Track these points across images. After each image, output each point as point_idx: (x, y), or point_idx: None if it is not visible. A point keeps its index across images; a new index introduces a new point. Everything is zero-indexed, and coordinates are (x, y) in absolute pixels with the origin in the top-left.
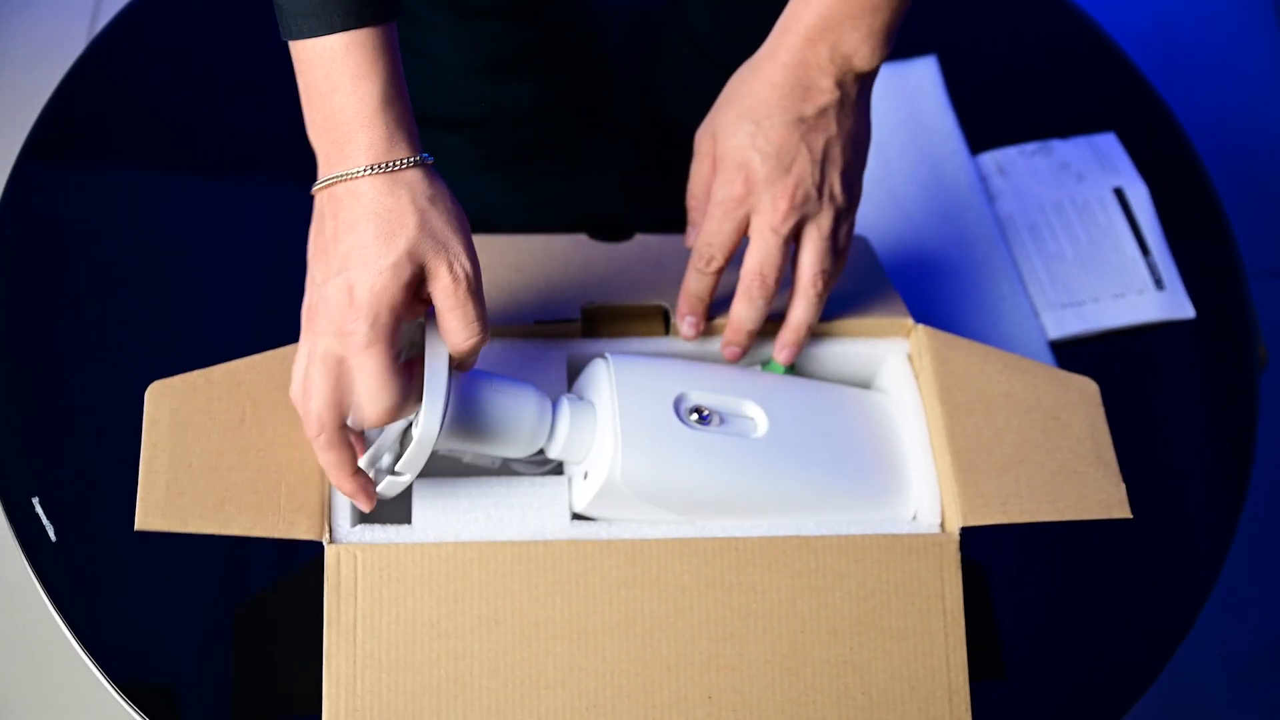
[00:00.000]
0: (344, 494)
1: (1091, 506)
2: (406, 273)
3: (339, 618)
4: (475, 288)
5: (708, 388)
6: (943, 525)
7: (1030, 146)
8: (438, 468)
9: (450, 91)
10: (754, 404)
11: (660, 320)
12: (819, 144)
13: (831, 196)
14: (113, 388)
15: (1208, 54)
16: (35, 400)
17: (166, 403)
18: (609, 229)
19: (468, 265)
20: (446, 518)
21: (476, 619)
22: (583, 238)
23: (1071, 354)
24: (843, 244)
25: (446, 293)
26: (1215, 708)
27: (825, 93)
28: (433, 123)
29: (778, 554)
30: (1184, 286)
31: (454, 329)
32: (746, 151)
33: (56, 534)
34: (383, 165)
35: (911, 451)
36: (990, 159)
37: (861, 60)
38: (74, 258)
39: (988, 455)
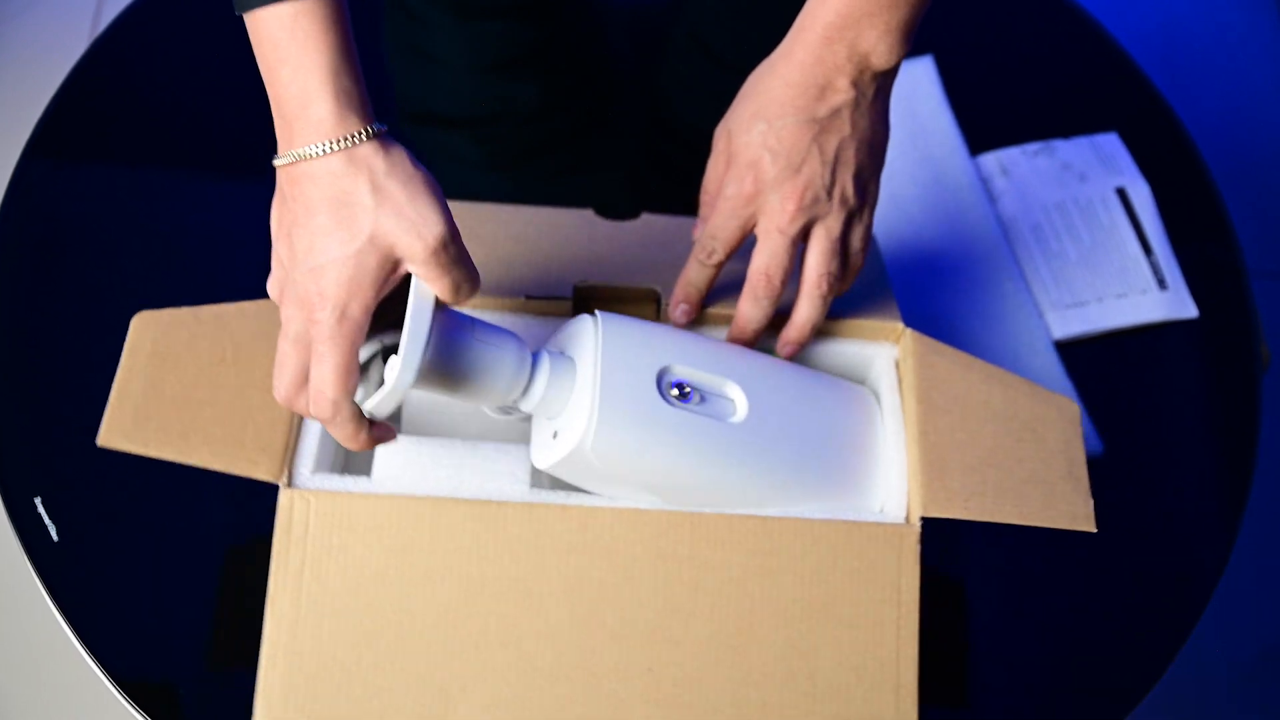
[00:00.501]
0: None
1: (1057, 516)
2: (372, 259)
3: (287, 561)
4: (454, 253)
5: (694, 362)
6: (908, 519)
7: (1033, 146)
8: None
9: (455, 91)
10: (736, 386)
11: (652, 305)
12: (831, 145)
13: (843, 198)
14: None
15: (1210, 53)
16: (36, 400)
17: (150, 332)
18: (616, 208)
19: (438, 232)
20: (406, 473)
21: (423, 573)
22: (589, 214)
23: (1075, 354)
24: (855, 246)
25: (425, 266)
26: (1217, 708)
27: (840, 92)
28: (437, 121)
29: (734, 532)
30: (1187, 286)
31: (440, 294)
32: (758, 150)
33: (58, 534)
34: (335, 143)
35: (888, 448)
36: (993, 159)
37: (879, 58)
38: (75, 257)
39: (958, 454)
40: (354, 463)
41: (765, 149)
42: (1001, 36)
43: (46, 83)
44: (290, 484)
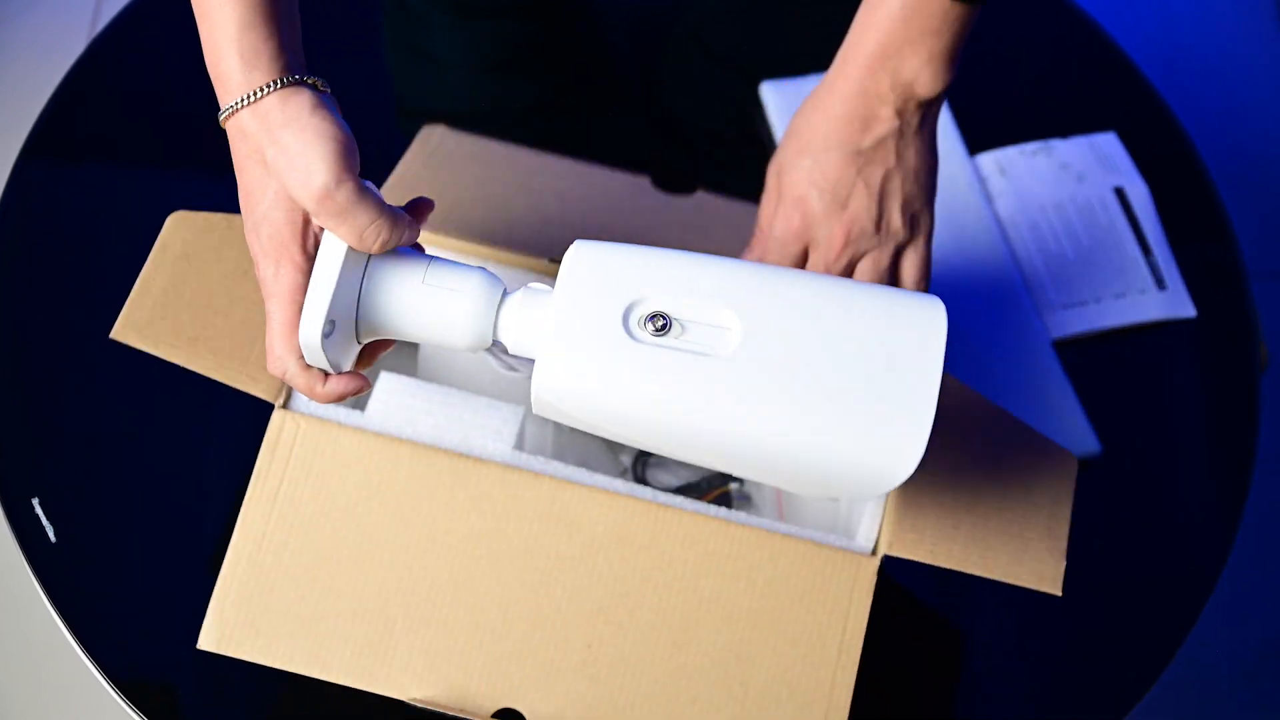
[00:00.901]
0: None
1: (1023, 574)
2: (281, 213)
3: (266, 477)
4: (344, 200)
5: (680, 288)
6: (875, 549)
7: (1031, 146)
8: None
9: (453, 89)
10: (731, 312)
11: None
12: (876, 177)
13: (890, 230)
14: (113, 388)
15: (1208, 53)
16: (35, 400)
17: (181, 233)
18: (675, 179)
19: (320, 181)
20: (397, 414)
21: (391, 513)
22: (645, 182)
23: (1073, 354)
24: (908, 276)
25: (316, 216)
26: (1216, 708)
27: (884, 122)
28: (436, 118)
29: (697, 530)
30: (1185, 286)
31: (346, 240)
32: (804, 186)
33: (56, 534)
34: (245, 99)
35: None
36: (991, 159)
37: (923, 87)
38: (73, 256)
39: (938, 495)
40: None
41: (811, 185)
42: (1000, 36)
43: (45, 82)
44: (286, 406)
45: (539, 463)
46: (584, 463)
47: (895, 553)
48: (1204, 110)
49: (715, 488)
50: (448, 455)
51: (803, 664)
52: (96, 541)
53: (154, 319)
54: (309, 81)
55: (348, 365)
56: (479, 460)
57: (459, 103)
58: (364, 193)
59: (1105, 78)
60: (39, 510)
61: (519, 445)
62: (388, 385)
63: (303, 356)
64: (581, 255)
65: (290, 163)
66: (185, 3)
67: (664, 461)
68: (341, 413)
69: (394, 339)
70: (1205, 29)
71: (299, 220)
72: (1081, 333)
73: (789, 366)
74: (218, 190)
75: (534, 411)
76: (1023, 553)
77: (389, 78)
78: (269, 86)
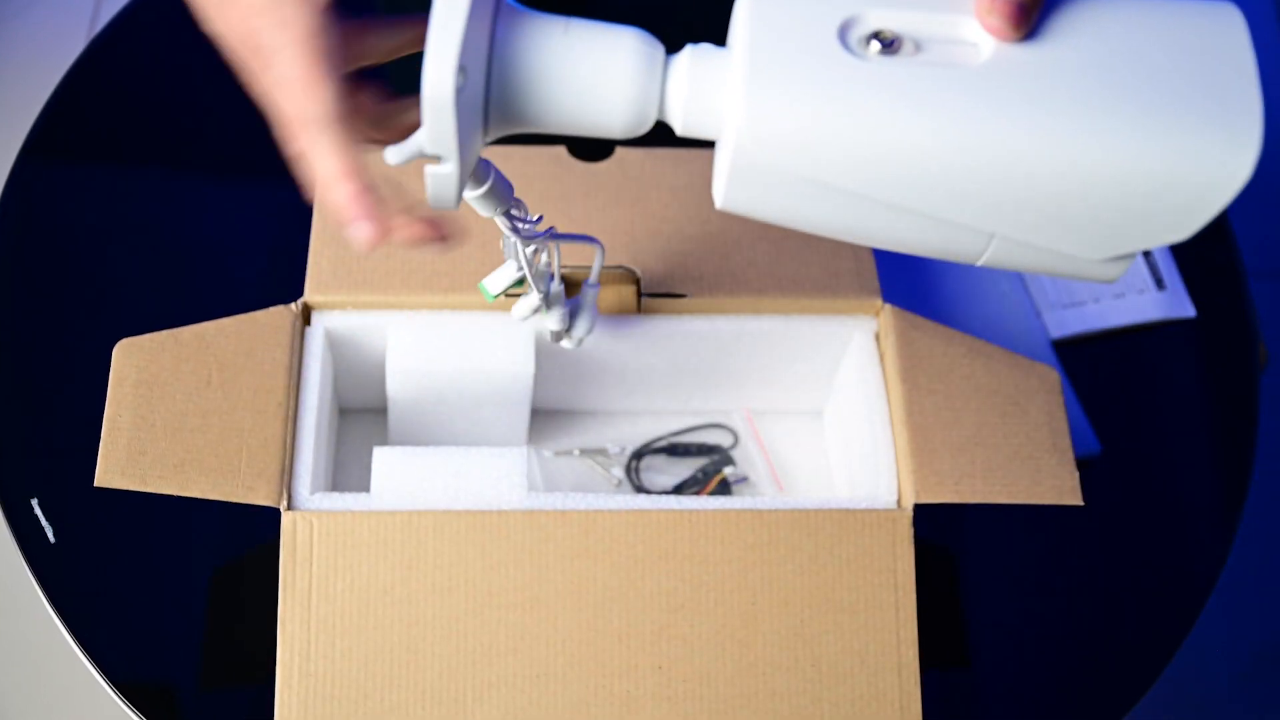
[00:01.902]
0: (341, 214)
1: (1045, 492)
2: None
3: (294, 583)
4: None
5: (902, 2)
6: (899, 502)
7: None
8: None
9: None
10: (973, 21)
11: (632, 286)
12: None
13: None
14: None
15: None
16: (35, 400)
17: (133, 361)
18: (588, 145)
19: None
20: (404, 486)
21: (430, 586)
22: (561, 152)
23: (1073, 354)
24: None
25: None
26: (1216, 707)
27: None
28: None
29: (730, 526)
30: (1185, 286)
31: None
32: None
33: (55, 535)
34: None
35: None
36: None
37: None
38: (74, 258)
39: (945, 435)
40: (348, 480)
41: None
42: None
43: (44, 83)
44: (290, 506)
45: (557, 499)
46: (580, 487)
47: (924, 499)
48: None
49: (711, 477)
50: (470, 515)
51: (865, 631)
52: (96, 542)
53: (133, 455)
54: None
55: (470, 163)
56: (500, 512)
57: None
58: None
59: None
60: (39, 510)
61: (532, 486)
62: (385, 459)
63: (337, 115)
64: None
65: None
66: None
67: (654, 463)
68: (349, 500)
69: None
70: None
71: None
72: (1081, 333)
73: (1067, 72)
74: (218, 191)
75: (723, 203)
76: (1038, 472)
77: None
78: None
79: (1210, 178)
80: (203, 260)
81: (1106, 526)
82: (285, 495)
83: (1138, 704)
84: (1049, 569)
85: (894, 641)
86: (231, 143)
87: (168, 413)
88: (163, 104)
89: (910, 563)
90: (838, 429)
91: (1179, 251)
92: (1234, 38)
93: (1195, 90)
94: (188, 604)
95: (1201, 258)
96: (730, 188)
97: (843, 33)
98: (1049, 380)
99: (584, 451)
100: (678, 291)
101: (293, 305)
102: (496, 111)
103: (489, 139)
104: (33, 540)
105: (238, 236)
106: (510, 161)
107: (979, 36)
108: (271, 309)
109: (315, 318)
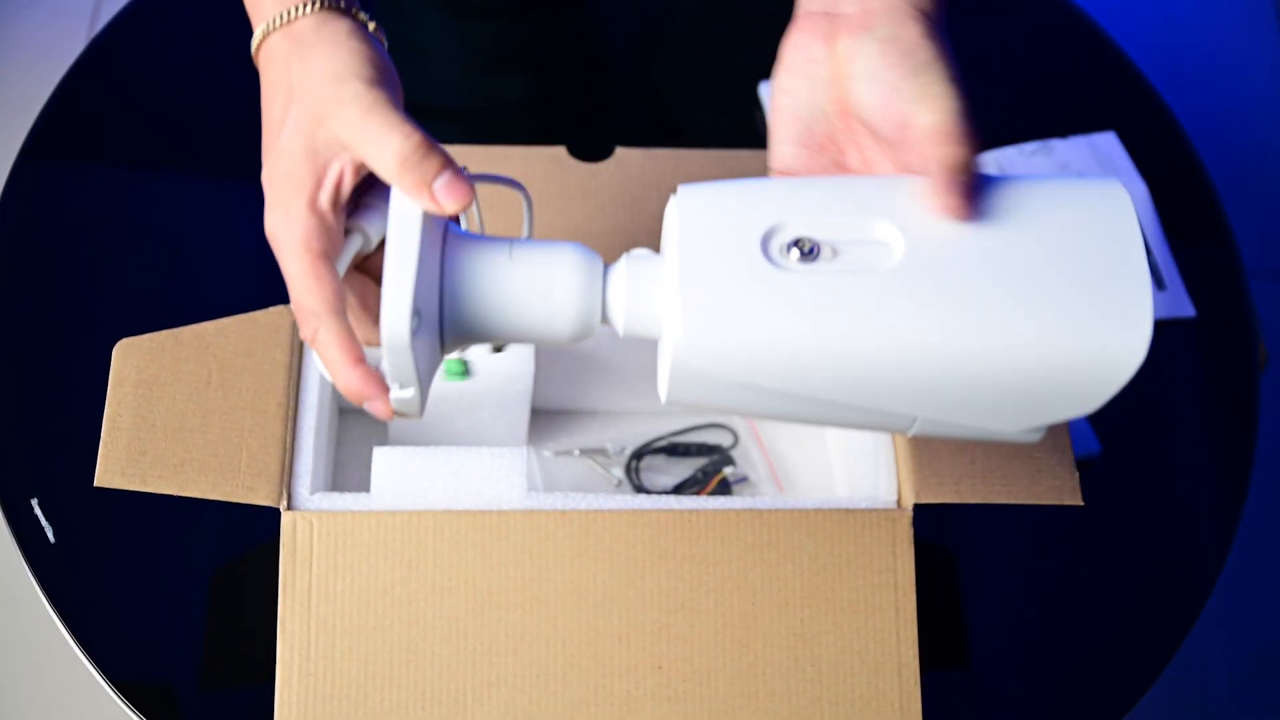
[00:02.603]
0: (350, 395)
1: (1044, 493)
2: (296, 144)
3: (294, 584)
4: (381, 101)
5: (821, 207)
6: (899, 502)
7: (1030, 146)
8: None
9: (446, 85)
10: (888, 222)
11: None
12: None
13: None
14: None
15: (1208, 53)
16: (35, 400)
17: (133, 361)
18: (588, 145)
19: (354, 87)
20: (405, 486)
21: (430, 586)
22: (562, 152)
23: None
24: None
25: (349, 129)
26: (1215, 707)
27: None
28: (429, 113)
29: (730, 526)
30: (1184, 286)
31: (398, 162)
32: None
33: (55, 535)
34: (277, 20)
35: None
36: (990, 159)
37: None
38: (73, 258)
39: None
40: (348, 480)
41: None
42: (999, 36)
43: (44, 83)
44: (290, 506)
45: (557, 499)
46: (580, 487)
47: (924, 499)
48: (1203, 110)
49: (711, 477)
50: (470, 515)
51: (865, 630)
52: (96, 542)
53: (133, 456)
54: (354, 12)
55: (429, 381)
56: (501, 512)
57: (451, 97)
58: (393, 109)
59: (1105, 78)
60: (38, 511)
61: (532, 486)
62: (385, 459)
63: (334, 310)
64: (690, 200)
65: (318, 73)
66: (185, 3)
67: (654, 463)
68: (348, 500)
69: (481, 341)
70: (1205, 29)
71: (318, 155)
72: None
73: (971, 268)
74: (217, 191)
75: (667, 400)
76: (1037, 472)
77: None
78: (305, 6)
79: (1107, 363)
80: (203, 260)
81: (1106, 526)
82: (285, 495)
83: (1138, 704)
84: (1049, 569)
85: (894, 641)
86: (231, 143)
87: (167, 413)
88: (163, 104)
89: (910, 563)
90: (838, 429)
91: (1179, 251)
92: (1123, 220)
93: (1091, 280)
94: (188, 604)
95: (1201, 258)
96: (673, 389)
97: (765, 243)
98: None
99: (584, 451)
100: None
101: None
102: (452, 331)
103: (447, 353)
104: (33, 540)
105: (238, 236)
106: (510, 161)
107: (890, 236)
108: (271, 309)
109: None
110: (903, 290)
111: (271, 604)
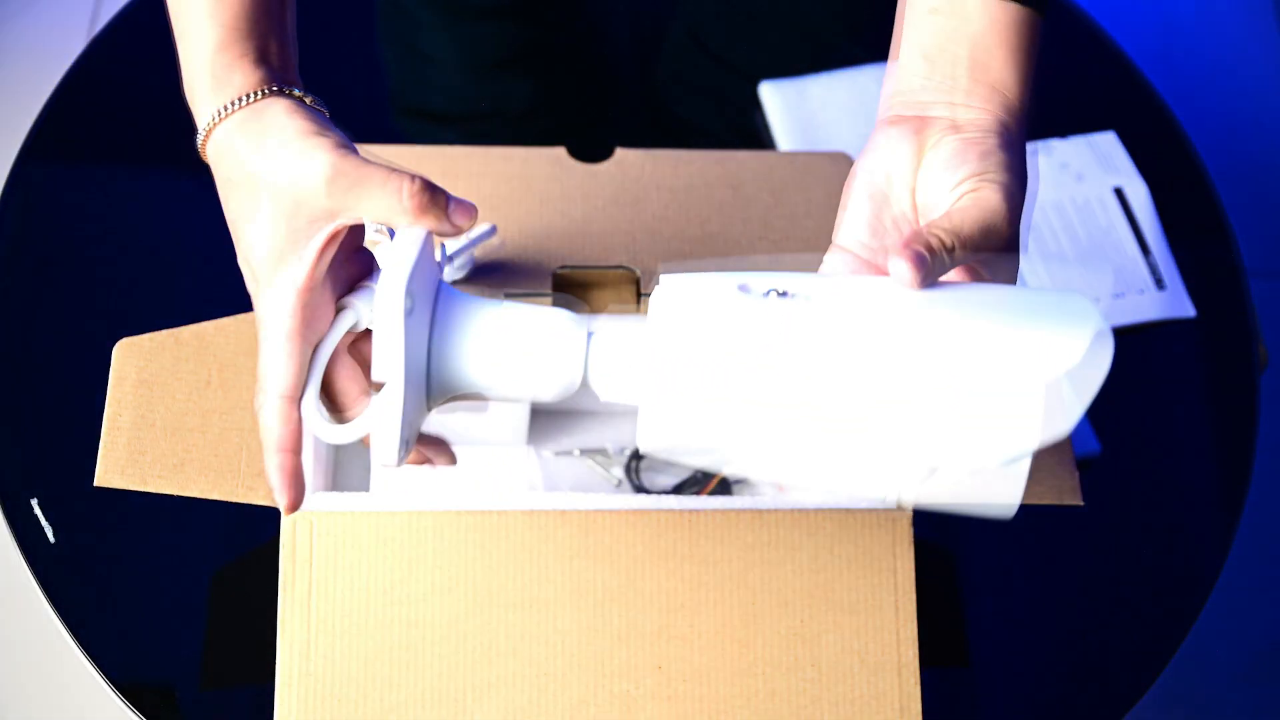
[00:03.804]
0: (268, 477)
1: (1044, 493)
2: (272, 226)
3: (294, 584)
4: (358, 166)
5: (794, 278)
6: (899, 504)
7: (1029, 146)
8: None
9: (448, 88)
10: (860, 288)
11: (630, 287)
12: None
13: None
14: None
15: (1208, 52)
16: (35, 400)
17: (133, 361)
18: (589, 147)
19: (323, 160)
20: (404, 486)
21: (430, 586)
22: (561, 153)
23: None
24: None
25: (332, 197)
26: (1215, 708)
27: None
28: (430, 117)
29: (730, 526)
30: (1184, 286)
31: (385, 211)
32: None
33: (55, 535)
34: (216, 115)
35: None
36: None
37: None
38: (73, 258)
39: None
40: (348, 480)
41: None
42: None
43: (45, 82)
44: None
45: (557, 499)
46: (580, 487)
47: None
48: (1203, 110)
49: (711, 476)
50: (471, 515)
51: (865, 631)
52: (96, 541)
53: (133, 455)
54: (289, 92)
55: (414, 438)
56: (501, 512)
57: (452, 100)
58: (374, 162)
59: (1105, 78)
60: (38, 511)
61: (532, 486)
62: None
63: (291, 394)
64: (669, 291)
65: (282, 160)
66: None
67: (654, 463)
68: (348, 499)
69: (467, 397)
70: (1205, 29)
71: (299, 234)
72: None
73: (928, 297)
74: (215, 192)
75: (644, 448)
76: (1038, 471)
77: (383, 72)
78: (242, 100)
79: (1055, 345)
80: (203, 260)
81: (1106, 526)
82: None
83: (1138, 704)
84: (1049, 569)
85: (894, 641)
86: None
87: (167, 412)
88: (163, 104)
89: (910, 563)
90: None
91: (1179, 251)
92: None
93: (1038, 307)
94: (188, 604)
95: (1201, 258)
96: (643, 442)
97: (742, 288)
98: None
99: (584, 451)
100: None
101: None
102: (438, 387)
103: (432, 408)
104: (33, 540)
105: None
106: (510, 163)
107: (859, 295)
108: None
109: None
110: (868, 317)
111: (271, 604)
